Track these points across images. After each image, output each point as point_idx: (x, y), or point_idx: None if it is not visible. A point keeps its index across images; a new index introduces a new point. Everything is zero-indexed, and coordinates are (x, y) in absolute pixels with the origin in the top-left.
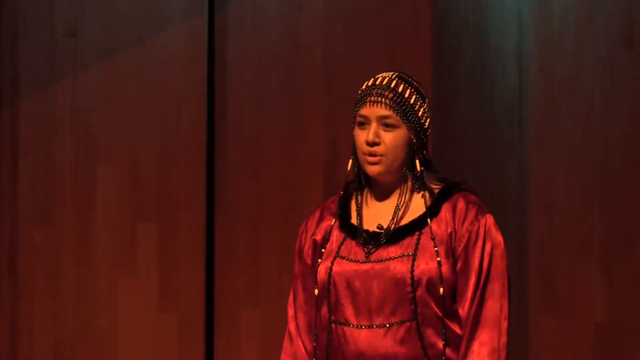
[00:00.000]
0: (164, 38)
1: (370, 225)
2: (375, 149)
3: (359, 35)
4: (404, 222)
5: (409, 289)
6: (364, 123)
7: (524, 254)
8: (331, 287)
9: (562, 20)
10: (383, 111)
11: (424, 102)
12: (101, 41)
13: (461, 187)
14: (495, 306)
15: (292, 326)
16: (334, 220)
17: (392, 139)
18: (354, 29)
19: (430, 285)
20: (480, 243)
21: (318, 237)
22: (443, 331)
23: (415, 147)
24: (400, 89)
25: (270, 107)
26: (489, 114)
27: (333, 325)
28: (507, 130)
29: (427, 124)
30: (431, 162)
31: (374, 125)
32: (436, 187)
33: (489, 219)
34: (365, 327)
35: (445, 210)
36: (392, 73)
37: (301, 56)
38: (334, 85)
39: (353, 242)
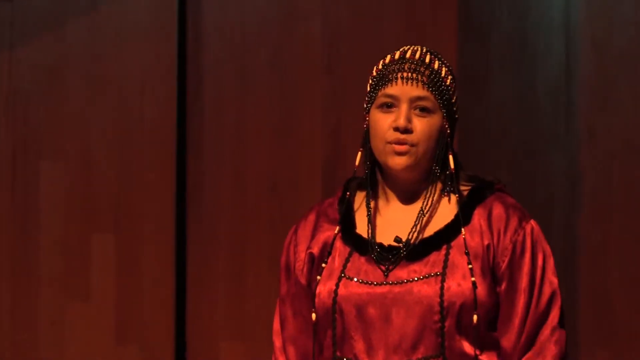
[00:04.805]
0: (124, 3)
1: (383, 237)
2: (406, 136)
3: None
4: (427, 232)
5: (436, 317)
6: (390, 105)
7: (574, 273)
8: (336, 315)
9: None
10: (419, 91)
11: (456, 86)
12: (44, 7)
13: (495, 187)
14: (551, 333)
15: None
16: (336, 229)
17: (426, 127)
18: None
19: (463, 312)
20: (527, 256)
21: (315, 250)
22: None
23: (448, 139)
24: (436, 66)
25: (256, 91)
26: (529, 97)
27: None
28: (552, 117)
29: (457, 113)
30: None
31: (404, 107)
32: (464, 188)
33: (535, 226)
34: None
35: (478, 217)
36: (421, 46)
37: (295, 25)
38: (336, 62)
39: (362, 259)
